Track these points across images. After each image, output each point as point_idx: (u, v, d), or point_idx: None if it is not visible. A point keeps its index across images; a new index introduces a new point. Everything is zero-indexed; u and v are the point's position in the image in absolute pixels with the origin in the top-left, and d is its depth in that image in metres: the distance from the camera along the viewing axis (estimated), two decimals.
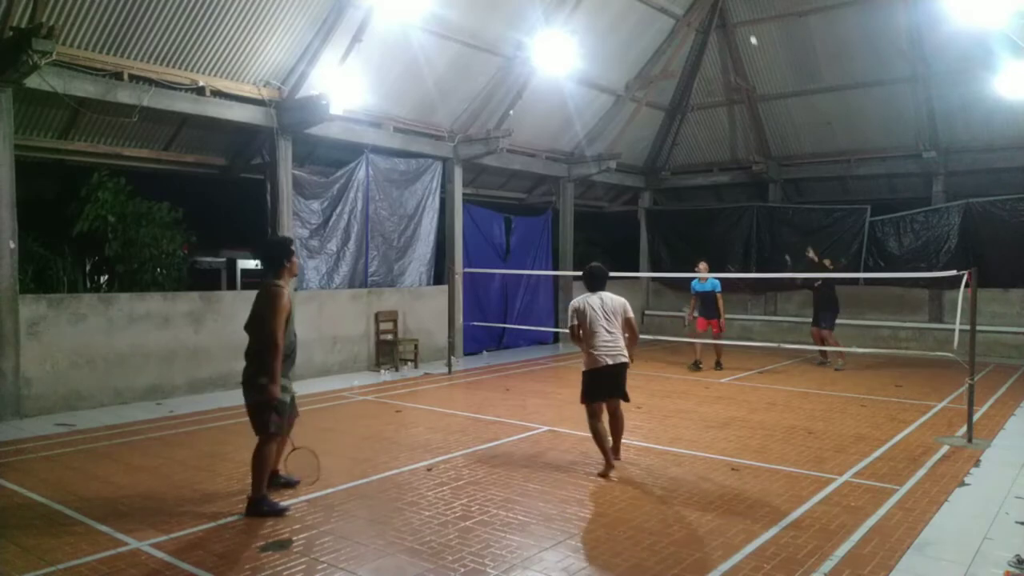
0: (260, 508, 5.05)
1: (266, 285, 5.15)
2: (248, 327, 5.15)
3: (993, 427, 7.87)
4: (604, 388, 6.15)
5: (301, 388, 10.08)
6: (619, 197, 18.96)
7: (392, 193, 12.69)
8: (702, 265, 12.14)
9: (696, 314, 12.30)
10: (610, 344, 6.11)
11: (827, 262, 13.44)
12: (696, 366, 12.23)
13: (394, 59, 11.02)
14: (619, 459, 6.30)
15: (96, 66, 8.58)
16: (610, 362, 6.08)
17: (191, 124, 10.50)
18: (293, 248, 5.41)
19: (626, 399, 6.30)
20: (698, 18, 14.77)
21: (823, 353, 12.62)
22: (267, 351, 4.94)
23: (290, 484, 5.63)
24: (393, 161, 12.64)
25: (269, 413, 5.03)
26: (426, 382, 10.99)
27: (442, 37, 11.24)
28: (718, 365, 12.17)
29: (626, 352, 6.20)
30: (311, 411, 8.52)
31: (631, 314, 6.29)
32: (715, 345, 12.23)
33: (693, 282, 12.24)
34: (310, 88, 10.19)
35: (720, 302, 12.03)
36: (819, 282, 12.72)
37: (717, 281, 12.09)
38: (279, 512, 5.07)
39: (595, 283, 6.41)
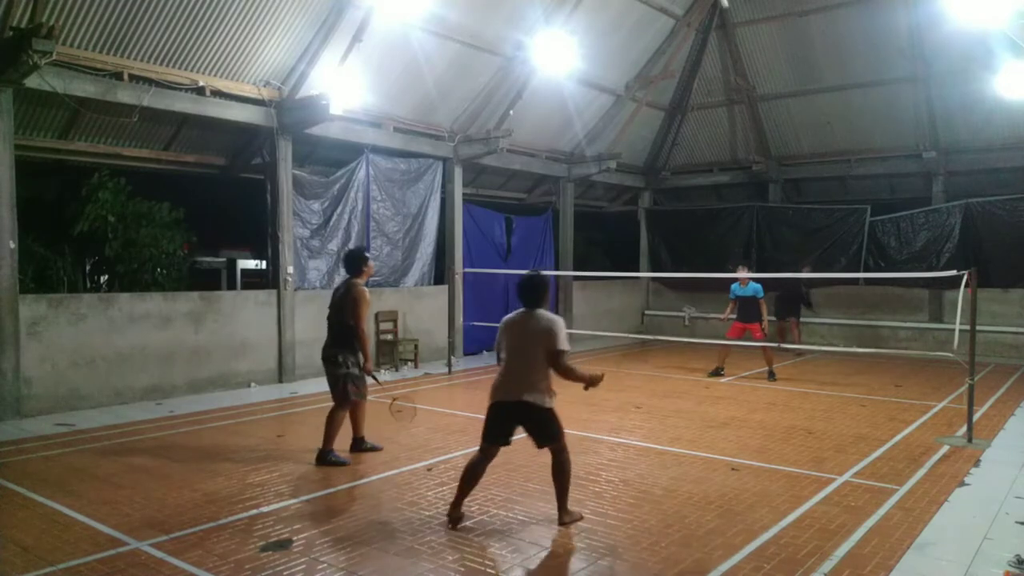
0: (327, 458, 6.24)
1: (350, 283, 6.38)
2: (331, 316, 6.40)
3: (993, 427, 7.87)
4: (496, 429, 4.92)
5: (301, 388, 10.14)
6: (619, 197, 18.96)
7: (395, 193, 12.69)
8: (742, 269, 11.31)
9: (732, 317, 11.38)
10: (510, 377, 4.87)
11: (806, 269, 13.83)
12: (718, 373, 11.50)
13: (394, 59, 11.02)
14: (563, 524, 4.86)
15: (96, 66, 8.58)
16: (501, 398, 4.89)
17: (191, 124, 10.50)
18: (369, 256, 6.70)
19: (551, 443, 4.88)
20: (698, 18, 14.76)
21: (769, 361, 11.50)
22: (355, 336, 6.23)
23: (375, 449, 6.69)
24: (394, 161, 12.64)
25: (348, 384, 6.25)
26: (426, 382, 10.99)
27: (442, 37, 11.24)
28: (771, 375, 11.07)
29: (537, 391, 4.75)
30: (311, 411, 8.52)
31: (559, 346, 4.71)
32: (764, 353, 11.28)
33: (733, 286, 11.36)
34: (310, 88, 10.19)
35: (763, 307, 11.17)
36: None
37: (759, 286, 11.17)
38: (342, 463, 6.24)
39: (526, 297, 4.99)
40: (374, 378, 6.51)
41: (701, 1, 14.52)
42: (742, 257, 16.22)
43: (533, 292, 4.98)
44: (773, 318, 13.03)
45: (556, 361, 4.74)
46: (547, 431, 4.86)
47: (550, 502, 5.29)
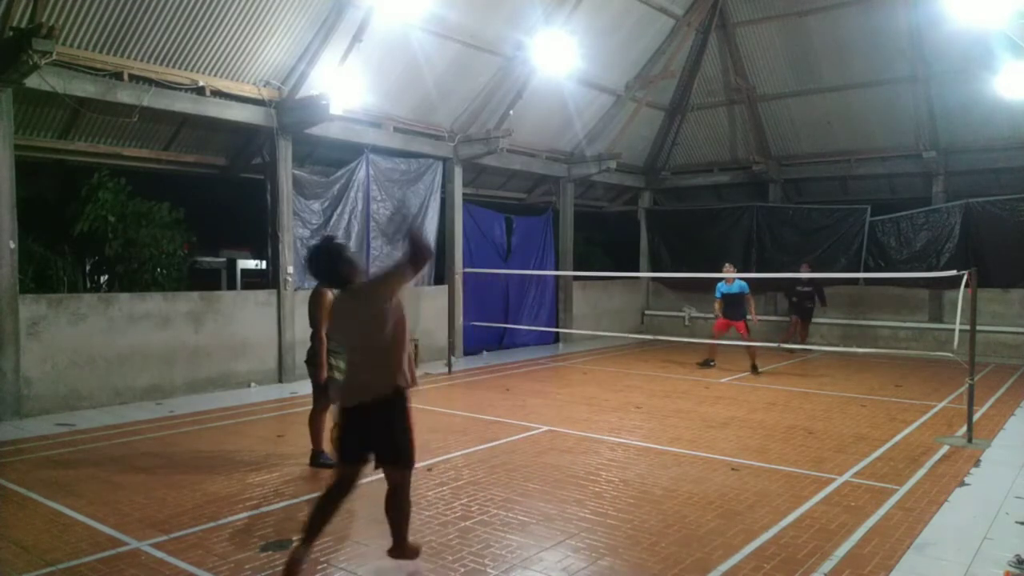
0: (319, 460, 6.24)
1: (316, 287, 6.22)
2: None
3: (993, 427, 7.87)
4: (353, 442, 3.93)
5: (301, 388, 10.12)
6: (619, 197, 18.95)
7: (395, 193, 12.69)
8: (728, 267, 11.81)
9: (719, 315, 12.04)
10: (355, 372, 3.98)
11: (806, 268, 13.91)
12: (707, 364, 12.19)
13: (394, 59, 11.02)
14: (404, 556, 4.16)
15: (96, 66, 8.58)
16: (350, 402, 3.91)
17: (191, 124, 10.50)
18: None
19: (402, 465, 3.96)
20: (698, 18, 14.76)
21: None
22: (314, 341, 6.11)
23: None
24: (394, 161, 12.64)
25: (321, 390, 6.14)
26: (426, 382, 10.98)
27: (442, 37, 11.24)
28: (754, 369, 11.64)
29: (387, 381, 3.82)
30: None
31: (400, 312, 3.86)
32: (748, 349, 11.72)
33: (719, 284, 11.91)
34: (310, 88, 10.19)
35: (751, 303, 11.92)
36: (810, 288, 13.83)
37: (744, 283, 11.83)
38: (332, 465, 5.97)
39: (319, 270, 4.11)
40: (323, 388, 6.11)
41: (701, 1, 14.53)
42: (740, 257, 16.44)
43: (332, 262, 3.94)
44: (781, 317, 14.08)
45: (398, 341, 3.84)
46: (395, 437, 3.86)
47: (550, 502, 5.30)
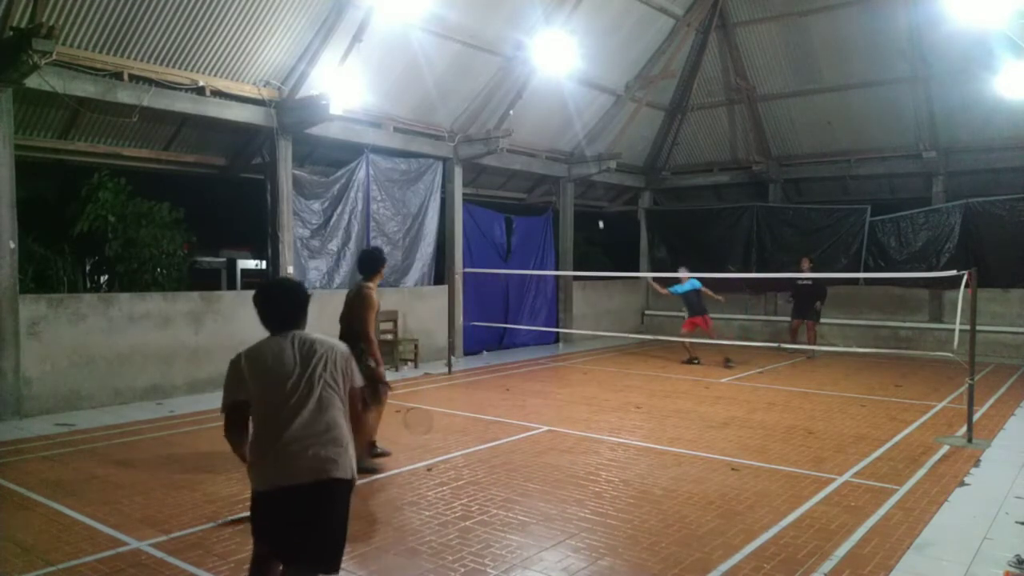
0: (372, 451, 6.33)
1: (360, 285, 6.29)
2: (342, 316, 6.38)
3: (993, 427, 7.87)
4: (279, 534, 3.05)
5: None
6: (619, 197, 18.95)
7: (395, 193, 12.70)
8: (682, 270, 13.00)
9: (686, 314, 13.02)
10: (310, 439, 3.04)
11: (806, 262, 13.89)
12: (692, 361, 12.70)
13: (394, 59, 11.02)
14: None
15: (96, 66, 8.58)
16: (303, 479, 3.00)
17: (191, 124, 10.50)
18: (385, 259, 6.63)
19: (328, 571, 3.08)
20: (698, 18, 14.76)
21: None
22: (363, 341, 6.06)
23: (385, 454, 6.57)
24: (394, 161, 12.64)
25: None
26: (426, 382, 10.98)
27: (442, 37, 11.24)
28: (727, 362, 12.44)
29: (346, 455, 3.12)
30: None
31: (358, 377, 3.36)
32: (717, 344, 12.55)
33: (675, 287, 12.93)
34: (310, 88, 10.19)
35: (708, 293, 12.79)
36: (810, 282, 13.60)
37: (697, 281, 12.74)
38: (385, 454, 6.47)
39: (279, 313, 3.29)
40: (384, 383, 6.23)
41: (701, 1, 14.53)
42: (740, 257, 16.47)
43: (293, 307, 3.29)
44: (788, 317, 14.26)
45: (356, 402, 3.34)
46: (338, 538, 3.12)
47: (550, 502, 5.30)
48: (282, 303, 3.30)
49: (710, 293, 12.90)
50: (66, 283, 10.10)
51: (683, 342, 12.96)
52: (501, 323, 14.51)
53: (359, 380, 3.35)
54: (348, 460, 3.12)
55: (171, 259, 10.67)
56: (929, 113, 14.25)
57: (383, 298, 12.14)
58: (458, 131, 13.13)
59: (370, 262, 6.41)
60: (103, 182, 10.02)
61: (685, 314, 13.05)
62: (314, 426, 3.06)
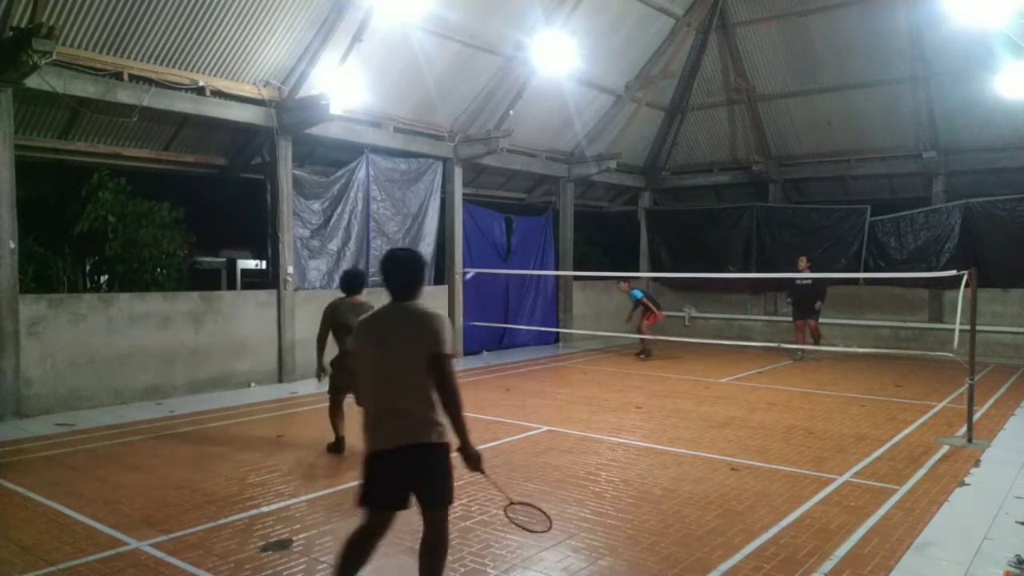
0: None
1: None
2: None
3: (993, 427, 7.87)
4: (383, 488, 3.40)
5: (301, 388, 10.14)
6: (619, 197, 18.95)
7: (395, 193, 12.69)
8: (623, 284, 14.67)
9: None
10: (390, 411, 3.39)
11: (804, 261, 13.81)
12: (643, 354, 13.72)
13: (394, 59, 11.02)
14: None
15: (96, 66, 8.58)
16: (388, 445, 3.36)
17: (191, 124, 10.50)
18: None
19: (440, 505, 3.48)
20: (698, 18, 14.75)
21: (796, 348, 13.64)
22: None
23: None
24: (394, 161, 12.64)
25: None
26: None
27: (442, 37, 11.24)
28: (643, 354, 13.68)
29: (435, 424, 3.40)
30: (311, 411, 8.52)
31: (444, 349, 3.36)
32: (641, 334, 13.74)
33: (633, 291, 14.25)
34: (310, 88, 10.19)
35: (645, 302, 14.03)
36: (809, 281, 13.53)
37: (638, 291, 14.27)
38: None
39: (396, 282, 3.56)
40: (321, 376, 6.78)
41: (701, 1, 14.53)
42: (740, 257, 16.47)
43: (404, 274, 3.52)
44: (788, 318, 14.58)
45: (446, 376, 3.33)
46: (444, 486, 3.46)
47: (550, 502, 5.29)
48: (393, 274, 3.55)
49: (642, 306, 14.05)
50: (66, 283, 10.10)
51: (643, 338, 13.80)
52: (501, 323, 14.51)
53: (440, 349, 3.36)
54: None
55: (171, 259, 10.66)
56: (929, 113, 14.25)
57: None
58: (458, 131, 13.13)
59: (359, 282, 6.99)
60: (103, 182, 10.02)
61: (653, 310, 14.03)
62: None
